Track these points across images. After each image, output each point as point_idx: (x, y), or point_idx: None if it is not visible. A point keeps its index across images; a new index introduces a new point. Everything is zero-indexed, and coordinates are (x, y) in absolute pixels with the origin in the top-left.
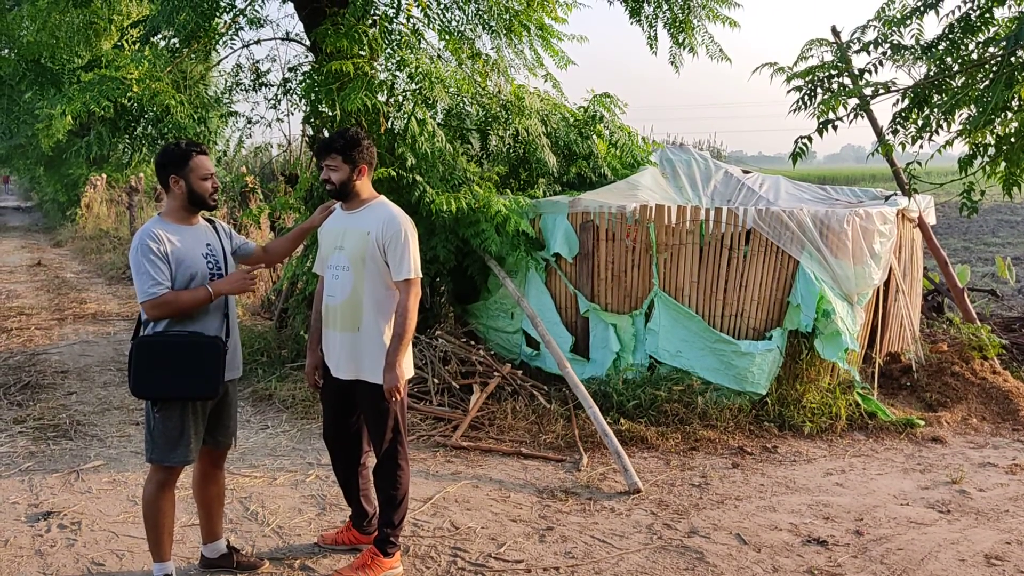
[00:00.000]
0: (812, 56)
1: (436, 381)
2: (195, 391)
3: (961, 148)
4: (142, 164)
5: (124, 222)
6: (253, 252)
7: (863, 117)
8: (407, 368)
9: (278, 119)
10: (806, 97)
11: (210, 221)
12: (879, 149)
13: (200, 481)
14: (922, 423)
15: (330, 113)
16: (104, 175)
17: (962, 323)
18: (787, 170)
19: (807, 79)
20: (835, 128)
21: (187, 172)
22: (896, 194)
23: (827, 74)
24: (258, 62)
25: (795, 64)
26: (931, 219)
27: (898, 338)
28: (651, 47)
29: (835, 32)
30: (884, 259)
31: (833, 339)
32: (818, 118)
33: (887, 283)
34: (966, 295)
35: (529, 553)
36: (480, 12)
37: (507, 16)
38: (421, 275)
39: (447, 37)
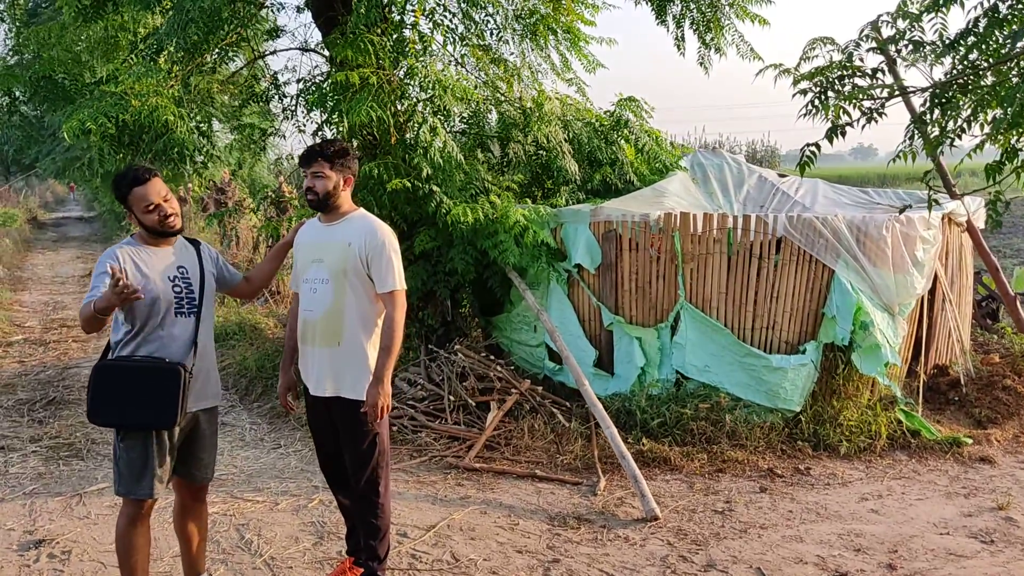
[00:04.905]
0: (817, 56)
1: (452, 398)
2: (150, 421)
3: (994, 150)
4: None
5: None
6: (238, 284)
7: (876, 122)
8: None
9: (299, 130)
10: (815, 101)
11: (194, 243)
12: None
13: (180, 514)
14: (970, 441)
15: (340, 126)
16: None
17: (1015, 333)
18: (847, 168)
19: (815, 81)
20: (843, 133)
21: (131, 206)
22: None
23: (837, 75)
24: (276, 73)
25: (798, 65)
26: (980, 223)
27: (946, 350)
28: (679, 48)
29: (876, 28)
30: (927, 267)
31: (872, 352)
32: (833, 122)
33: (933, 292)
34: (1019, 302)
35: None
36: (490, 16)
37: (532, 19)
38: (406, 287)
39: (456, 43)
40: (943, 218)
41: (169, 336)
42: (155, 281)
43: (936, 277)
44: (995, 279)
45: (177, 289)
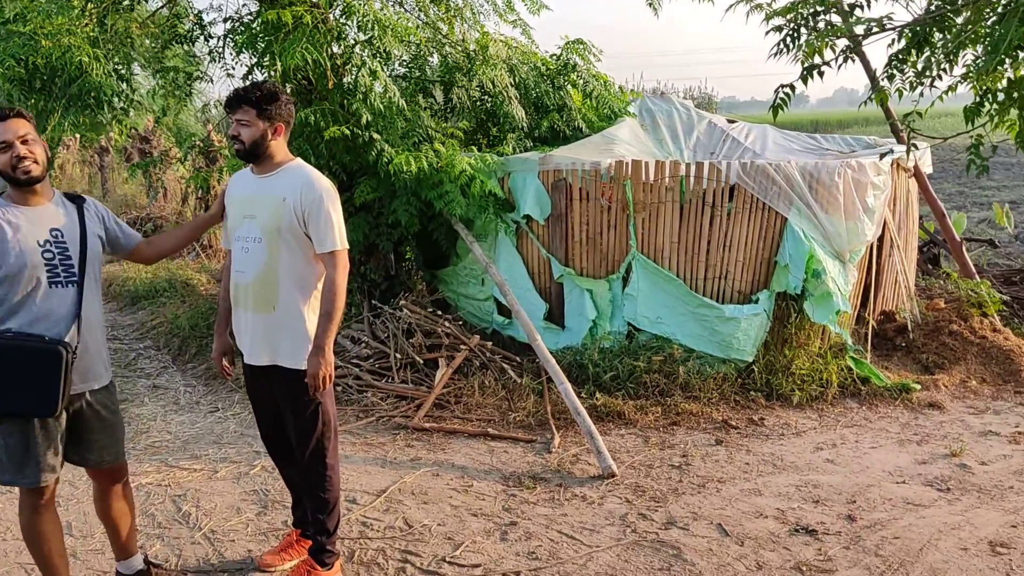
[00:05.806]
0: None
1: (399, 356)
2: (27, 407)
3: (968, 93)
4: (62, 128)
5: (96, 184)
6: (136, 245)
7: (853, 61)
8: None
9: (228, 74)
10: (788, 39)
11: (77, 200)
12: (872, 96)
13: (99, 499)
14: (918, 387)
15: (272, 70)
16: (78, 136)
17: (960, 278)
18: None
19: (788, 17)
20: (821, 74)
21: None
22: (891, 151)
23: (812, 11)
24: (200, 12)
25: (773, 1)
26: (927, 168)
27: (893, 296)
28: None
29: None
30: (878, 213)
31: (824, 301)
32: (802, 63)
33: (881, 238)
34: (964, 248)
35: (488, 555)
36: None
37: None
38: (348, 245)
39: None
40: (892, 164)
41: (45, 309)
42: (21, 244)
43: (885, 223)
44: (941, 224)
45: (48, 255)
